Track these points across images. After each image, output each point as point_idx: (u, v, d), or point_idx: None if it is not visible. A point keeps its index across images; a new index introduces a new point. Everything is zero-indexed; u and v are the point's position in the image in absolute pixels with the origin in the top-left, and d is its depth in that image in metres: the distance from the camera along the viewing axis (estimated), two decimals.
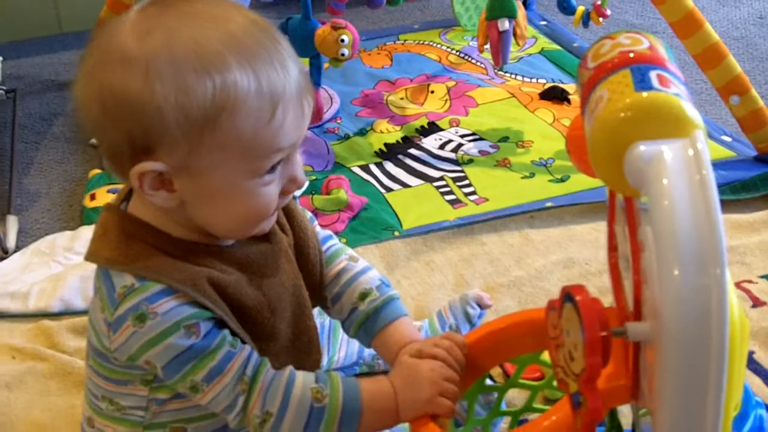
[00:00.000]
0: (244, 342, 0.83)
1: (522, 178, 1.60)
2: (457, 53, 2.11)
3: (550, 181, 1.58)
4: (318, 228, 0.96)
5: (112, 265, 0.81)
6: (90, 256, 0.84)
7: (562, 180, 1.58)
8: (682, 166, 0.59)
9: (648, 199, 0.60)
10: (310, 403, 0.82)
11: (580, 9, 1.59)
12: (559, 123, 1.77)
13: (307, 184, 0.83)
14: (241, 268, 0.84)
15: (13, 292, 1.33)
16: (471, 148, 1.69)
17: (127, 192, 0.86)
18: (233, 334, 0.82)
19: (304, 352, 0.91)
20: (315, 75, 1.66)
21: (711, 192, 0.57)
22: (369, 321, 0.92)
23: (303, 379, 0.83)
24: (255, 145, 0.76)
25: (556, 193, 1.54)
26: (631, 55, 0.67)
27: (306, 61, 1.67)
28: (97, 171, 1.65)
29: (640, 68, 0.65)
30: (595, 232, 1.44)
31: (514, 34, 1.63)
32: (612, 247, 0.82)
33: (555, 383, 0.91)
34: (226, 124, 0.74)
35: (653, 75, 0.64)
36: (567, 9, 1.60)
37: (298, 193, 0.92)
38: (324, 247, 0.95)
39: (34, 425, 1.12)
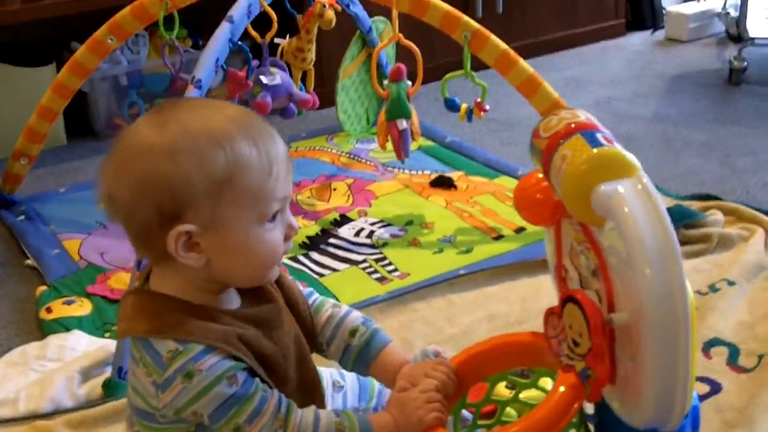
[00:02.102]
0: (271, 387, 1.00)
1: (433, 253, 1.85)
2: (347, 155, 2.37)
3: (457, 253, 1.84)
4: (300, 287, 1.15)
5: (151, 335, 0.96)
6: (126, 332, 1.00)
7: (467, 251, 1.84)
8: (636, 197, 0.85)
9: (615, 223, 0.85)
10: None
11: (464, 106, 1.88)
12: (452, 205, 2.04)
13: (298, 231, 1.05)
14: (256, 325, 1.01)
15: (1, 400, 1.42)
16: (383, 233, 1.93)
17: (145, 276, 1.03)
18: (262, 381, 0.99)
19: (310, 392, 1.07)
20: None
21: (662, 211, 0.83)
22: (362, 353, 1.11)
23: (326, 414, 1.01)
24: (260, 196, 0.96)
25: (465, 262, 1.79)
26: (576, 124, 0.94)
27: None
28: (43, 288, 1.77)
29: (588, 133, 0.92)
30: (505, 291, 1.69)
31: (411, 132, 1.91)
32: (560, 278, 1.07)
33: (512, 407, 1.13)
34: (238, 182, 0.94)
35: (599, 136, 0.90)
36: (453, 107, 1.89)
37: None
38: (309, 302, 1.14)
39: None
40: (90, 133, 2.68)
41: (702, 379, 1.39)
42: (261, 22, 1.84)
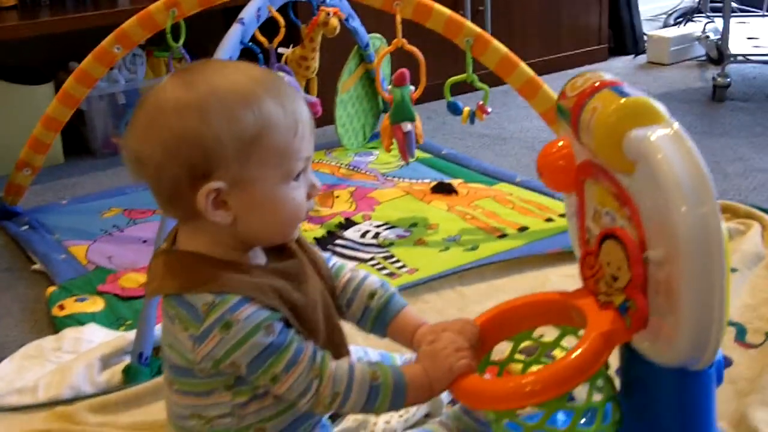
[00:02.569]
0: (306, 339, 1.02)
1: (440, 251, 1.88)
2: (347, 166, 2.41)
3: (463, 251, 1.87)
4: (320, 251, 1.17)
5: (185, 291, 0.98)
6: (158, 291, 1.01)
7: (473, 249, 1.88)
8: (668, 139, 0.89)
9: (649, 165, 0.89)
10: (370, 383, 1.01)
11: (466, 109, 1.93)
12: (454, 209, 2.08)
13: (321, 190, 1.07)
14: (285, 278, 1.02)
15: (19, 388, 1.43)
16: (389, 234, 1.97)
17: (172, 238, 1.05)
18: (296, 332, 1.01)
19: (338, 347, 1.08)
20: None
21: (694, 152, 0.88)
22: (381, 314, 1.13)
23: (360, 364, 1.02)
24: (286, 155, 0.98)
25: (471, 259, 1.82)
26: (602, 82, 0.99)
27: None
28: (53, 288, 1.78)
29: (616, 87, 0.96)
30: (513, 283, 1.73)
31: (415, 135, 1.95)
32: (583, 241, 1.11)
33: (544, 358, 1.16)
34: (265, 141, 0.96)
35: (626, 89, 0.95)
36: (455, 111, 1.94)
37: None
38: (329, 265, 1.15)
39: None
40: (87, 152, 2.70)
41: None
42: (266, 29, 1.89)
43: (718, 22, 3.20)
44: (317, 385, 1.00)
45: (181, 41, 1.98)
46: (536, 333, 1.14)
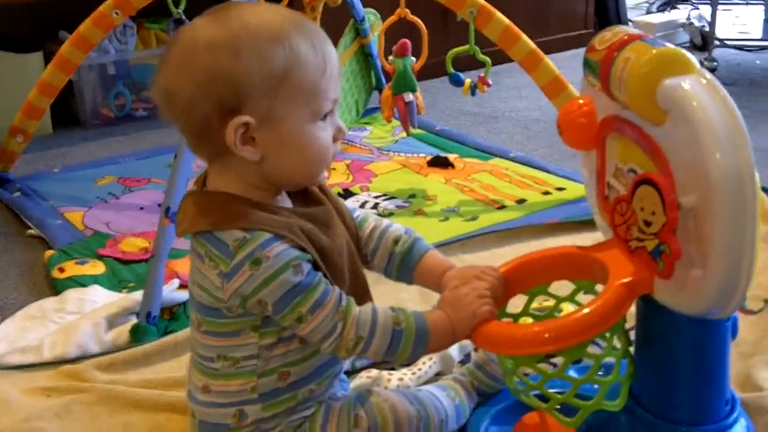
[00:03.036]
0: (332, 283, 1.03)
1: (440, 221, 1.89)
2: (341, 141, 2.40)
3: (463, 221, 1.88)
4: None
5: (216, 228, 0.98)
6: (189, 229, 1.01)
7: (472, 219, 1.89)
8: (702, 88, 0.90)
9: (683, 113, 0.90)
10: (392, 327, 1.01)
11: (467, 81, 1.94)
12: (451, 182, 2.09)
13: (347, 134, 1.07)
14: (312, 221, 1.03)
15: (23, 347, 1.41)
16: (388, 204, 1.97)
17: (201, 181, 1.05)
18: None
19: (362, 295, 1.07)
20: None
21: (729, 100, 0.89)
22: (406, 259, 1.13)
23: (383, 309, 1.03)
24: (314, 93, 0.99)
25: (471, 228, 1.83)
26: (631, 35, 1.00)
27: None
28: (52, 252, 1.76)
29: (647, 39, 0.98)
30: (515, 251, 1.73)
31: (416, 106, 1.96)
32: (603, 197, 1.12)
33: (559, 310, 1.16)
34: (295, 78, 0.97)
35: (658, 40, 0.96)
36: (457, 82, 1.95)
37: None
38: (354, 215, 1.16)
39: None
40: (76, 123, 2.68)
41: None
42: None
43: (703, 9, 3.24)
44: (341, 328, 1.00)
45: (182, 7, 1.96)
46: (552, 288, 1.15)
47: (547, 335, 0.99)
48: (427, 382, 1.28)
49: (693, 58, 0.94)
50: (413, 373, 1.28)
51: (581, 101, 1.13)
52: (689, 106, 0.90)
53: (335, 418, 1.07)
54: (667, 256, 0.91)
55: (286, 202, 1.06)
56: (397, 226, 1.17)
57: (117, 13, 2.00)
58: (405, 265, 1.14)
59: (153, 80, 1.01)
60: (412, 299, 1.56)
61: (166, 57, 1.00)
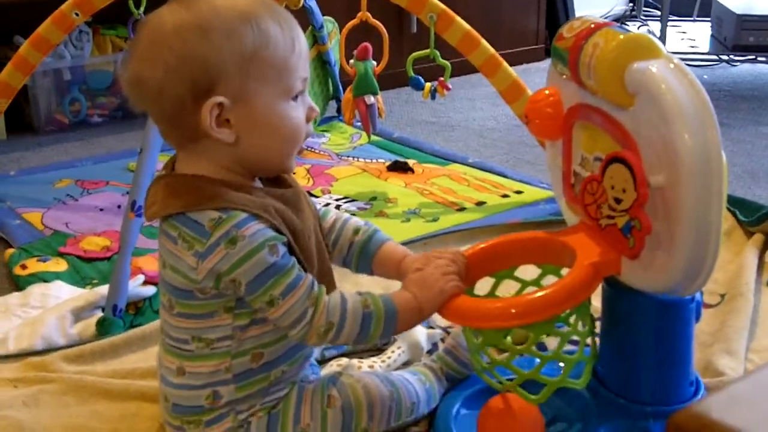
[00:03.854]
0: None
1: (401, 222, 1.91)
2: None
3: (424, 222, 1.91)
4: None
5: (190, 209, 0.99)
6: (161, 212, 1.01)
7: (434, 220, 1.91)
8: (670, 72, 0.94)
9: (651, 95, 0.94)
10: (362, 311, 1.03)
11: (428, 85, 1.98)
12: (412, 186, 2.12)
13: (319, 113, 1.08)
14: (284, 202, 1.04)
15: None
16: (349, 206, 1.99)
17: (170, 165, 1.06)
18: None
19: (327, 279, 1.09)
20: None
21: (696, 82, 0.93)
22: (365, 248, 1.16)
23: (351, 293, 1.05)
24: (285, 70, 1.01)
25: (433, 229, 1.86)
26: (598, 23, 1.04)
27: None
28: (12, 250, 1.74)
29: (614, 26, 1.02)
30: None
31: (378, 109, 1.98)
32: (569, 185, 1.16)
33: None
34: (265, 55, 0.99)
35: (625, 27, 1.00)
36: (417, 86, 1.98)
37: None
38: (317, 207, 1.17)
39: (68, 429, 1.20)
40: (30, 129, 2.65)
41: None
42: None
43: (652, 25, 3.34)
44: (312, 314, 1.01)
45: (142, 8, 1.97)
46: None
47: (514, 309, 1.01)
48: (396, 369, 1.29)
49: (660, 44, 0.98)
50: (383, 362, 1.30)
51: (547, 92, 1.16)
52: (657, 88, 0.94)
53: (309, 398, 1.09)
54: (638, 231, 0.94)
55: (258, 184, 1.06)
56: (357, 218, 1.19)
57: (77, 14, 1.99)
58: (364, 254, 1.16)
59: (122, 70, 1.02)
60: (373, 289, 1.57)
61: (133, 45, 1.01)
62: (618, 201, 0.96)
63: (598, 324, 1.13)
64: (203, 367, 1.05)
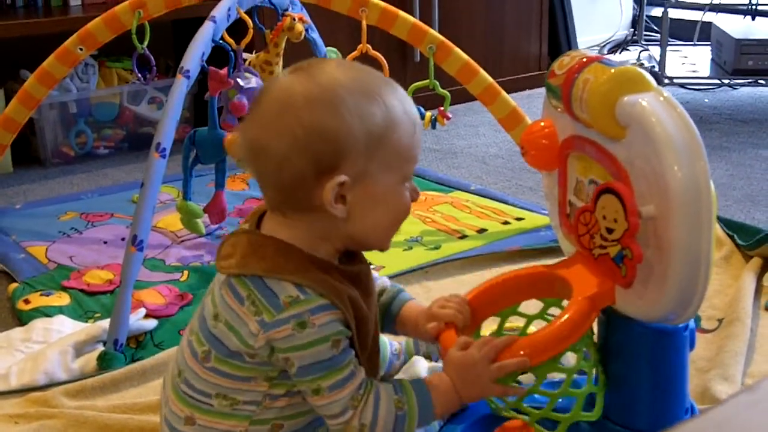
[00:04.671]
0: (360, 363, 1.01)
1: (403, 250, 1.92)
2: None
3: (426, 250, 1.92)
4: None
5: (269, 274, 0.96)
6: (238, 267, 0.98)
7: (435, 248, 1.92)
8: (659, 104, 0.96)
9: (642, 127, 0.95)
10: (395, 413, 1.01)
11: (428, 114, 1.99)
12: (414, 214, 2.12)
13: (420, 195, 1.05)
14: (355, 284, 1.01)
15: None
16: None
17: (255, 221, 1.03)
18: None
19: (376, 362, 1.08)
20: (220, 179, 1.90)
21: (684, 115, 0.94)
22: (390, 307, 1.15)
23: (386, 392, 1.01)
24: (407, 153, 0.99)
25: (435, 257, 1.87)
26: (589, 58, 1.05)
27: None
28: (16, 284, 1.76)
29: (604, 60, 1.03)
30: (477, 278, 1.77)
31: None
32: (564, 215, 1.17)
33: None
34: (392, 136, 0.97)
35: (615, 62, 1.02)
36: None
37: None
38: None
39: None
40: (36, 162, 2.67)
41: None
42: (231, 32, 1.92)
43: (652, 50, 3.35)
44: (350, 414, 0.99)
45: (146, 43, 1.99)
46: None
47: (522, 352, 1.02)
48: None
49: (650, 77, 0.99)
50: None
51: (543, 123, 1.18)
52: (648, 121, 0.95)
53: None
54: (630, 260, 0.95)
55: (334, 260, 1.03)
56: (385, 279, 1.19)
57: (81, 49, 2.01)
58: (389, 314, 1.15)
59: (241, 131, 1.00)
60: None
61: (257, 109, 0.99)
62: (610, 231, 0.97)
63: None
64: (217, 425, 1.02)
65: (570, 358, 1.19)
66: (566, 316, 1.04)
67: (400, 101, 0.99)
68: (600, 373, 1.11)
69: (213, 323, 1.01)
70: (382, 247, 1.05)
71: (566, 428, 1.08)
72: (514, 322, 1.24)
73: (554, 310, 1.17)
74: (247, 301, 0.97)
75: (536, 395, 1.09)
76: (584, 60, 1.06)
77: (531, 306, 1.20)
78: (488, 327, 1.22)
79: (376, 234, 1.02)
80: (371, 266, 1.69)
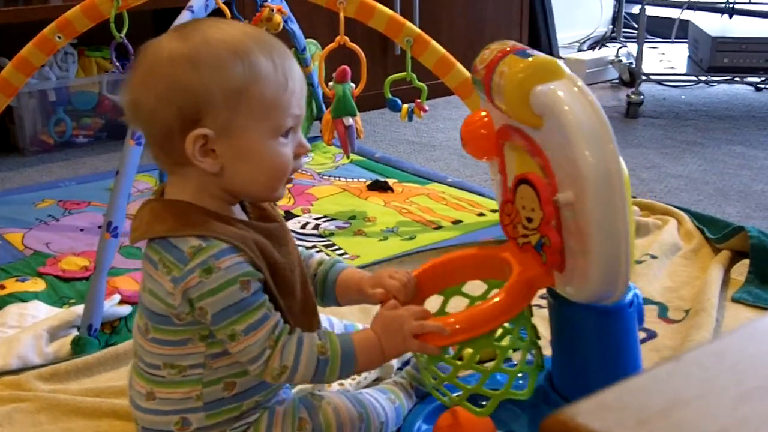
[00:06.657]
0: (276, 309, 1.04)
1: (379, 240, 1.94)
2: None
3: (401, 240, 1.94)
4: None
5: (171, 234, 1.00)
6: (144, 235, 1.03)
7: (410, 238, 1.94)
8: (569, 92, 0.98)
9: (553, 115, 0.98)
10: (317, 357, 1.04)
11: (405, 107, 2.01)
12: (390, 204, 2.15)
13: (310, 150, 1.08)
14: (267, 236, 1.05)
15: None
16: (329, 225, 2.02)
17: (160, 191, 1.07)
18: (271, 300, 1.04)
19: (310, 313, 1.11)
20: None
21: (594, 102, 0.97)
22: (327, 277, 1.17)
23: (309, 338, 1.05)
24: (276, 108, 1.01)
25: (409, 247, 1.89)
26: (507, 48, 1.07)
27: None
28: None
29: (519, 51, 1.05)
30: None
31: (356, 130, 2.02)
32: (507, 200, 1.19)
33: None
34: (254, 91, 1.00)
35: (529, 51, 1.04)
36: (394, 107, 2.01)
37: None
38: None
39: None
40: (15, 150, 2.67)
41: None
42: None
43: (630, 47, 3.38)
44: (268, 355, 1.02)
45: (124, 31, 2.00)
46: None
47: (458, 326, 1.04)
48: (367, 386, 1.32)
49: (563, 65, 1.02)
50: (353, 379, 1.32)
51: (482, 114, 1.19)
52: (559, 109, 0.98)
53: (279, 422, 1.10)
54: (548, 247, 0.99)
55: (242, 216, 1.08)
56: (323, 254, 1.22)
57: (59, 37, 2.02)
58: (327, 282, 1.17)
59: (122, 92, 1.04)
60: (352, 313, 1.60)
61: (134, 69, 1.03)
62: (529, 220, 1.01)
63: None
64: (174, 394, 1.06)
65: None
66: (501, 296, 1.06)
67: (272, 59, 1.01)
68: (537, 354, 1.13)
69: (143, 295, 1.06)
70: (271, 199, 1.10)
71: (495, 405, 1.08)
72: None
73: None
74: (159, 264, 1.01)
75: (498, 375, 1.11)
76: (500, 53, 1.07)
77: (476, 287, 1.21)
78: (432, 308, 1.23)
79: (256, 187, 1.04)
80: (345, 255, 1.72)
